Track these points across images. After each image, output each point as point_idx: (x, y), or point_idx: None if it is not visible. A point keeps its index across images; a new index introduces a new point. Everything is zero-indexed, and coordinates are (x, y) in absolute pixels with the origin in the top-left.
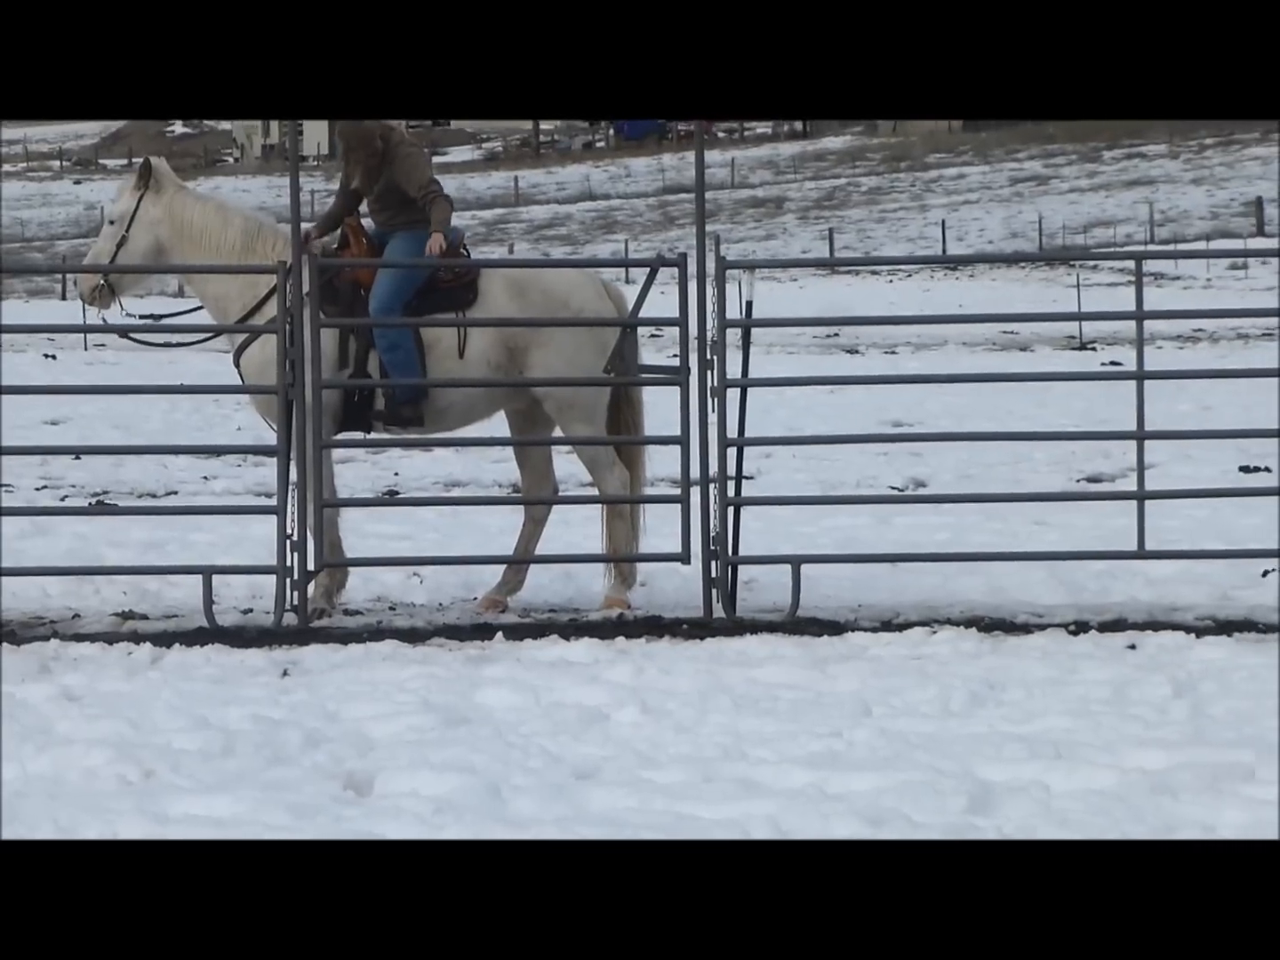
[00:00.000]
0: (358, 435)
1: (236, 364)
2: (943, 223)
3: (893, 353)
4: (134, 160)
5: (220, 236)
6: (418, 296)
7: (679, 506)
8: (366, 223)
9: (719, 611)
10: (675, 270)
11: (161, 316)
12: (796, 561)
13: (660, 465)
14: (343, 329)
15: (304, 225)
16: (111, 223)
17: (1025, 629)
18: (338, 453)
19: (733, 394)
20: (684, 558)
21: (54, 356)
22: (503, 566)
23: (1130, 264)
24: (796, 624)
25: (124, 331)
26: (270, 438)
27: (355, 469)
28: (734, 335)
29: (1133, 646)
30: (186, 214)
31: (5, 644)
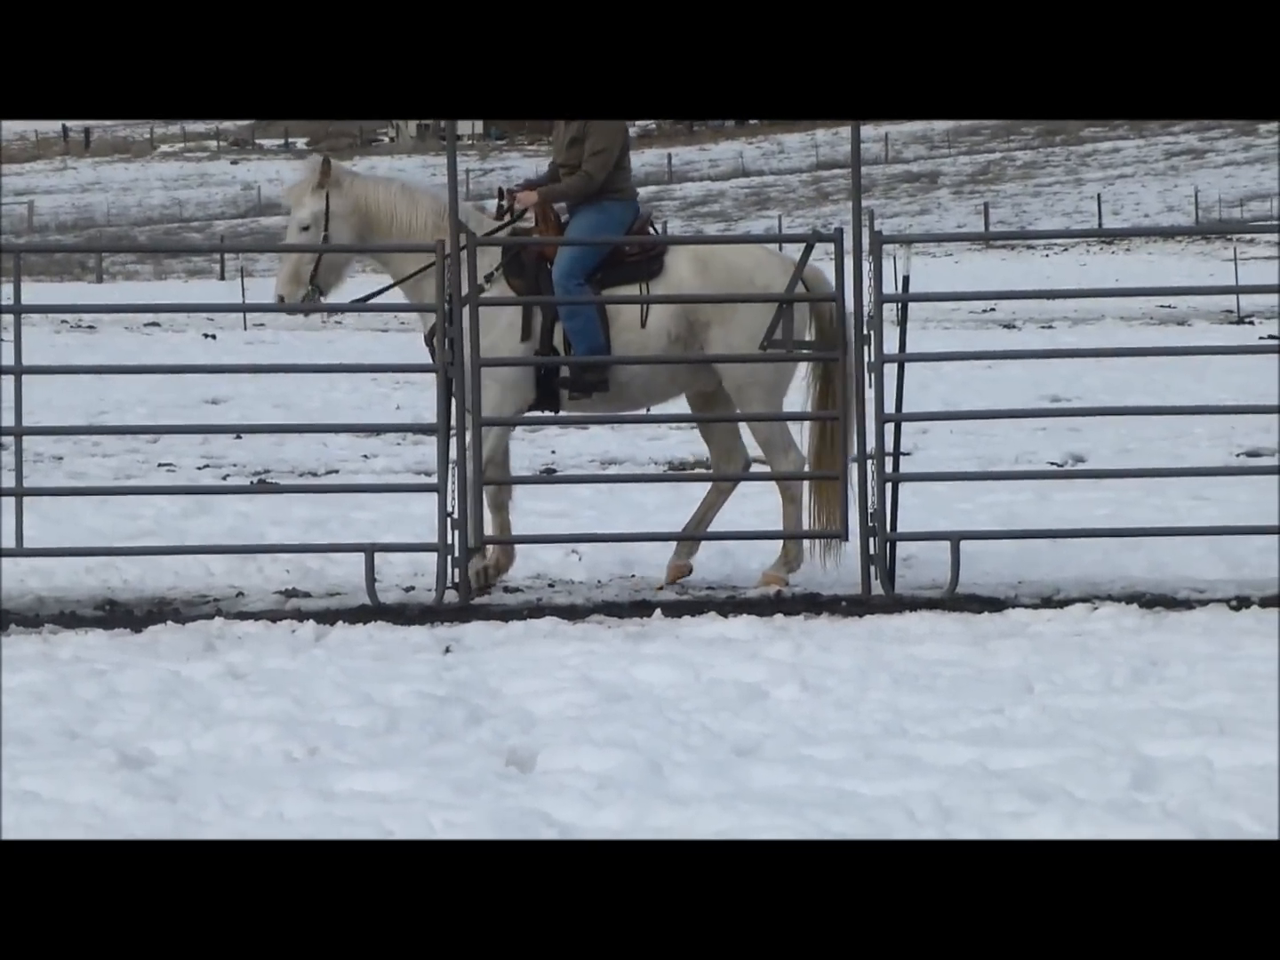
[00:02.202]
0: (521, 413)
1: (429, 343)
2: (1098, 197)
3: (1049, 328)
4: (290, 140)
5: (411, 218)
6: (602, 268)
7: (837, 483)
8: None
9: (878, 588)
10: (831, 245)
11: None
12: (955, 538)
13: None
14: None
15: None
16: (305, 228)
17: (1187, 604)
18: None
19: (890, 370)
20: (842, 534)
21: (213, 336)
22: (664, 542)
23: None
24: (956, 600)
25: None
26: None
27: (513, 447)
28: (890, 310)
29: None
30: (374, 200)
31: (169, 622)
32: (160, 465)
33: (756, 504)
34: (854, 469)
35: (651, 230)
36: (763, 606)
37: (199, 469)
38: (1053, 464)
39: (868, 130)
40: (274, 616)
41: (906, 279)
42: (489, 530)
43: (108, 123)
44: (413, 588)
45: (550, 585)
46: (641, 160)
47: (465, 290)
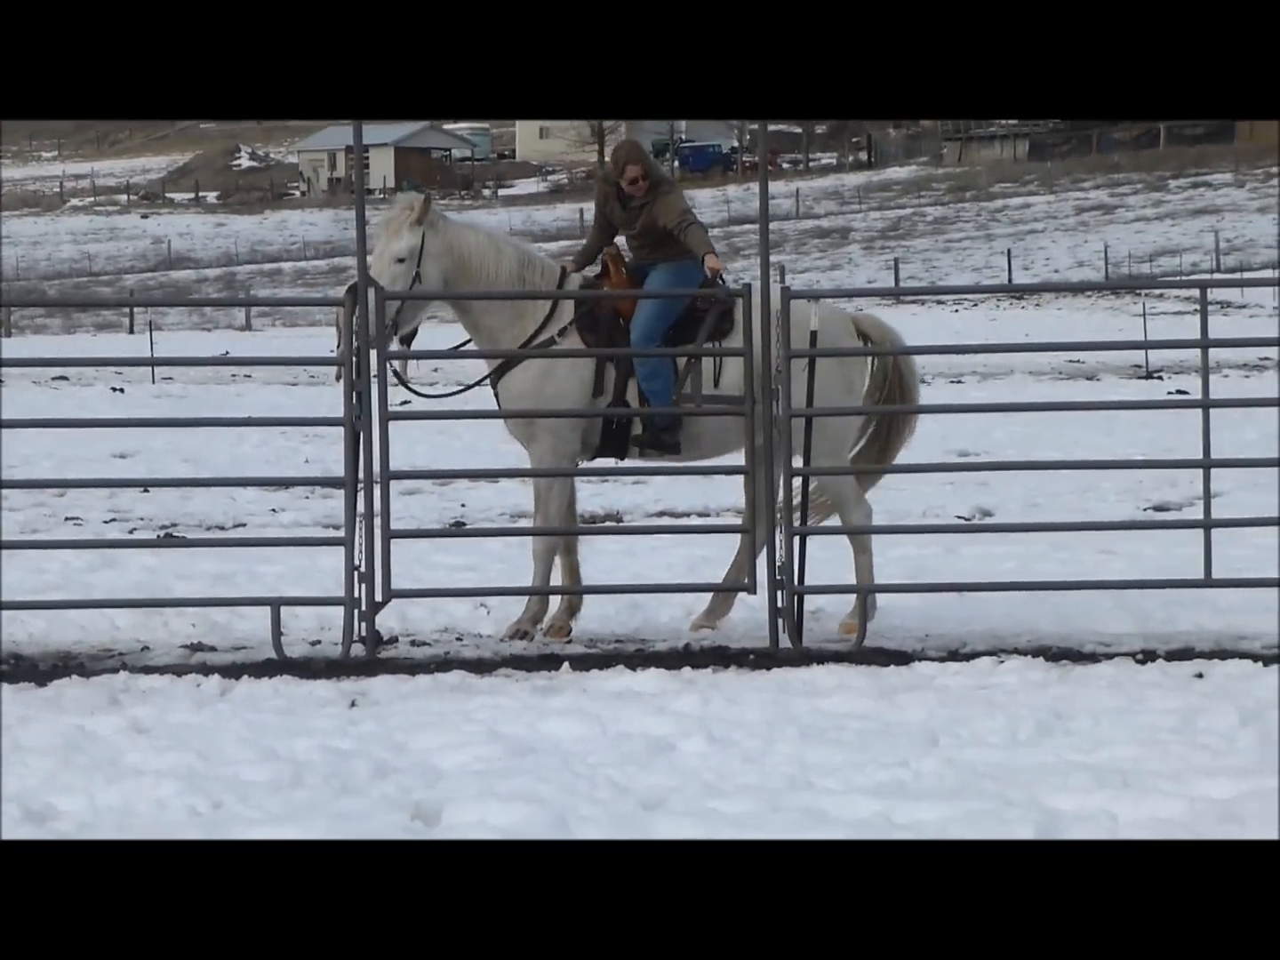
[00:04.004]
0: (434, 468)
1: (495, 389)
2: (1008, 252)
3: (959, 382)
4: (201, 193)
5: (496, 267)
6: (676, 326)
7: (744, 536)
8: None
9: (785, 641)
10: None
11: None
12: (863, 591)
13: (727, 495)
14: (601, 357)
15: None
16: (400, 260)
17: (1093, 658)
18: (406, 484)
19: (798, 424)
20: (750, 588)
21: (122, 390)
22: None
23: (1196, 292)
24: (863, 654)
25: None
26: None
27: (423, 500)
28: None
29: (1200, 675)
30: (465, 245)
31: (74, 676)
32: (67, 519)
33: (666, 556)
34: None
35: (722, 282)
36: (671, 660)
37: (106, 523)
38: (960, 518)
39: (778, 186)
40: (179, 671)
41: (814, 334)
42: (557, 577)
43: (18, 175)
44: (319, 641)
45: (458, 639)
46: (554, 215)
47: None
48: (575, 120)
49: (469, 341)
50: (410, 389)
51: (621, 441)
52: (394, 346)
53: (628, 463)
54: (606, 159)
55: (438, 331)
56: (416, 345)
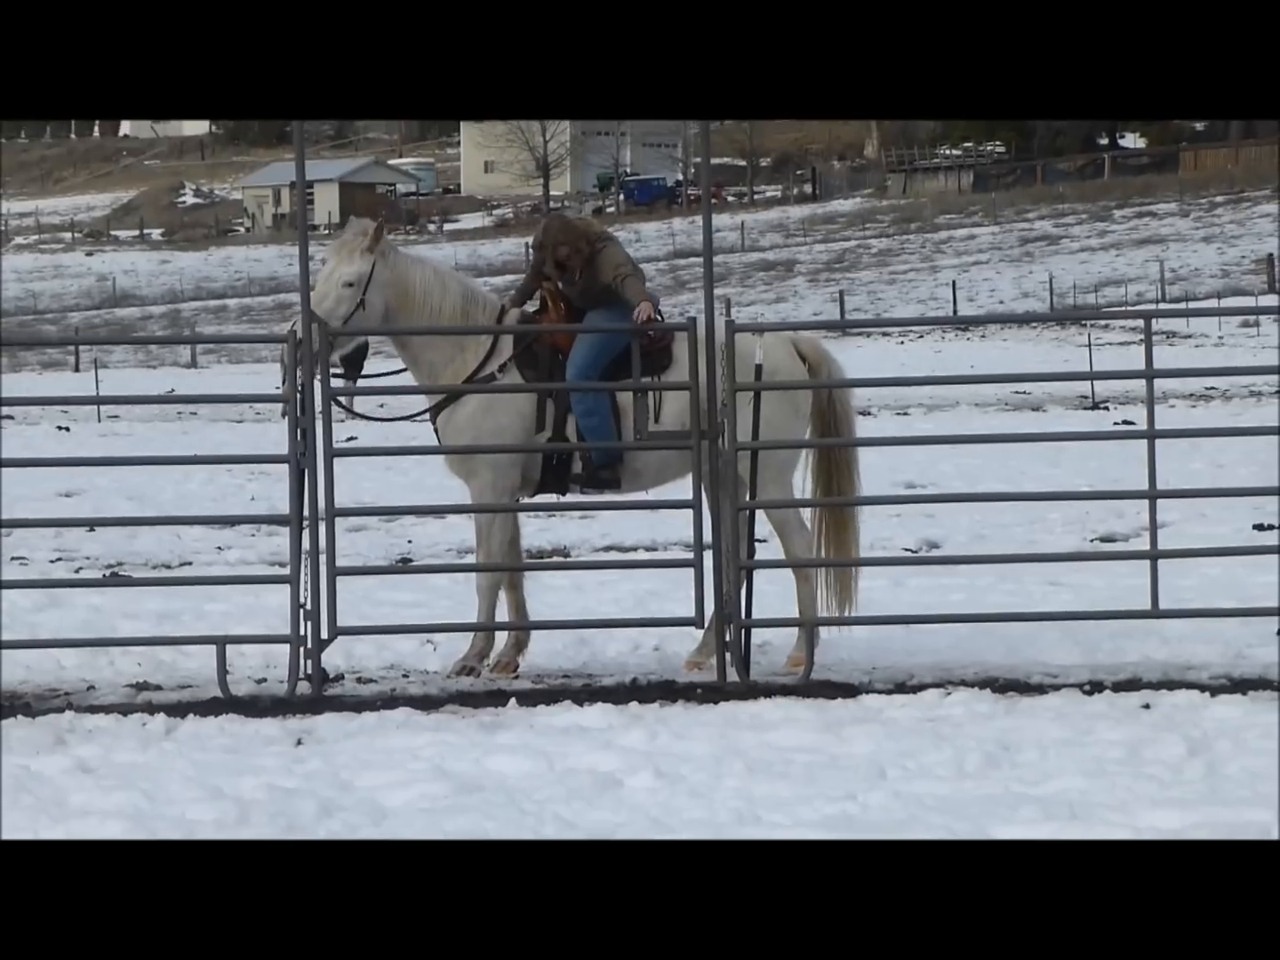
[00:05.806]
0: (380, 504)
1: (434, 424)
2: (953, 284)
3: (905, 414)
4: (145, 231)
5: (440, 301)
6: (614, 363)
7: (691, 570)
8: None
9: (733, 675)
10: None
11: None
12: (810, 624)
13: (674, 530)
14: (541, 393)
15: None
16: (349, 285)
17: (1040, 690)
18: (352, 521)
19: (743, 456)
20: (697, 622)
21: (67, 429)
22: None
23: (1141, 322)
24: (810, 687)
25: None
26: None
27: (369, 536)
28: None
29: (1147, 706)
30: (410, 278)
31: (20, 716)
32: (13, 558)
33: (614, 591)
34: (709, 556)
35: (659, 318)
36: (618, 694)
37: (51, 562)
38: (907, 550)
39: (723, 219)
40: (125, 710)
41: (760, 367)
42: (504, 613)
43: None
44: (265, 680)
45: (405, 675)
46: (500, 249)
47: (315, 379)
48: (514, 121)
49: (404, 371)
50: (353, 413)
51: (562, 477)
52: (334, 367)
53: (574, 497)
54: (546, 214)
55: (385, 366)
56: (363, 383)
